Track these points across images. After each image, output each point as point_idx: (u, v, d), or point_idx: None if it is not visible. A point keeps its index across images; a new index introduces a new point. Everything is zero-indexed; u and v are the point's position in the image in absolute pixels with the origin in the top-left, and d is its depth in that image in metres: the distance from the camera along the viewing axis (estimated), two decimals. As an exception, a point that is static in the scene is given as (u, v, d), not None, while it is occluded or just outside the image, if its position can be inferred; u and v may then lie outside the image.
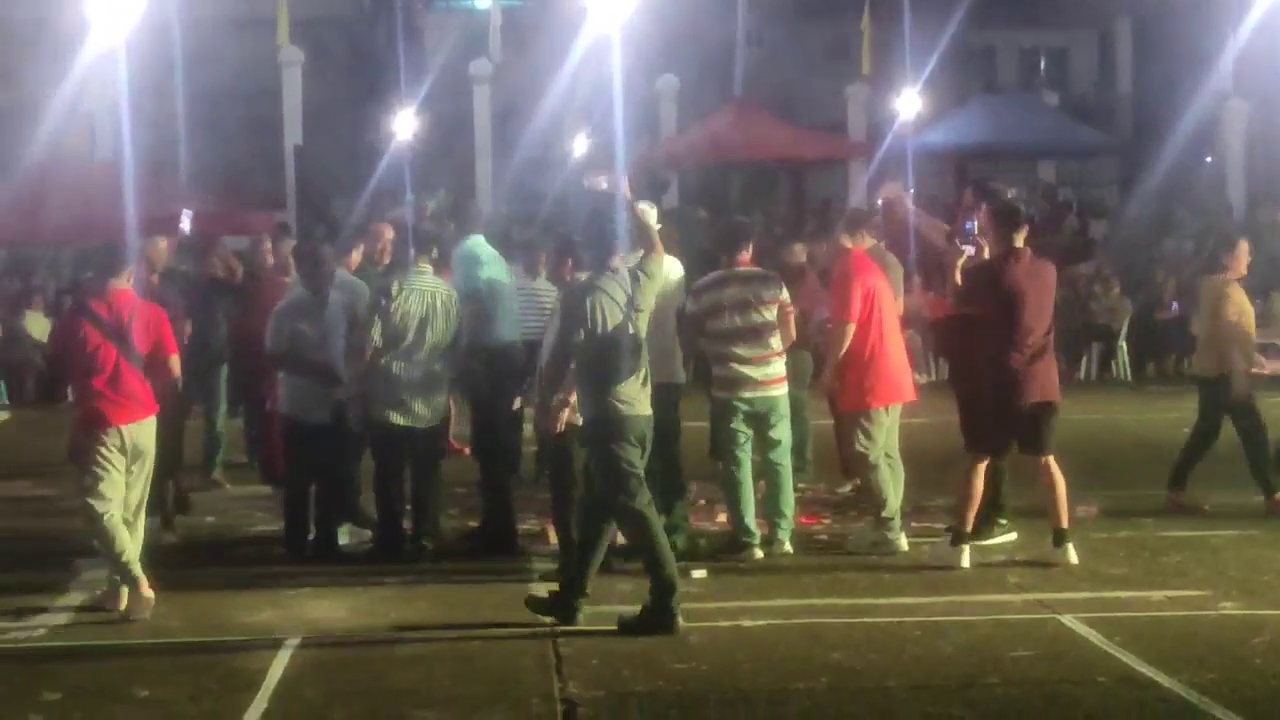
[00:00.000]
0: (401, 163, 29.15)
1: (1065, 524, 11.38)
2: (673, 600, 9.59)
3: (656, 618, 9.55)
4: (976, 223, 11.74)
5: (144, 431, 10.33)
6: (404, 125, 30.89)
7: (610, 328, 9.77)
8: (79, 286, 18.72)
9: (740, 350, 11.74)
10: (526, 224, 23.30)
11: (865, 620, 9.89)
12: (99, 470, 10.18)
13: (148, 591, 10.13)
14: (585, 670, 8.83)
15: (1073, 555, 11.30)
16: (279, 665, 9.03)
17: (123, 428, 10.22)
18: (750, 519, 11.77)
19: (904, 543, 11.89)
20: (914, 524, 12.52)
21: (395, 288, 11.73)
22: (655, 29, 31.70)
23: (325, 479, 12.05)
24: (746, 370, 11.75)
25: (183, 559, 12.05)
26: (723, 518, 12.67)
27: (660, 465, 12.04)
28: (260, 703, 8.36)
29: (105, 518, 10.13)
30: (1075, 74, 45.71)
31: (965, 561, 11.24)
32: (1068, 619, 9.75)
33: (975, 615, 9.93)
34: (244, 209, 29.34)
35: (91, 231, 26.16)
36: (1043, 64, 46.43)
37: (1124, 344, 25.61)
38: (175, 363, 10.67)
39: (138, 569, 10.19)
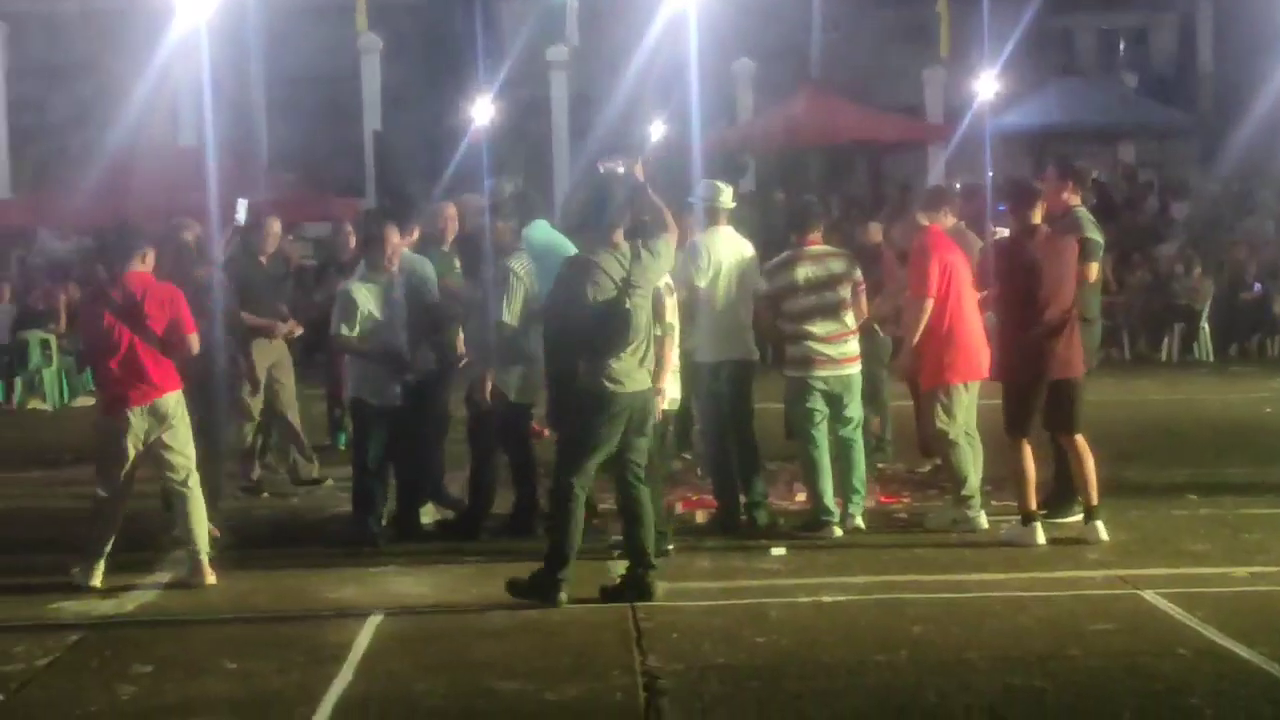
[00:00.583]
0: (479, 148, 29.26)
1: (1095, 500, 11.38)
2: (556, 590, 9.77)
3: (537, 592, 9.77)
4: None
5: (162, 407, 10.63)
6: (482, 111, 30.99)
7: (600, 302, 9.81)
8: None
9: (815, 329, 11.78)
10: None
11: (945, 595, 9.92)
12: (106, 457, 10.69)
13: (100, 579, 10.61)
14: (665, 644, 8.89)
15: (1103, 532, 11.29)
16: (363, 639, 9.14)
17: (134, 410, 10.57)
18: (829, 497, 11.80)
19: (984, 520, 11.88)
20: (994, 502, 12.52)
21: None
22: (731, 12, 31.73)
23: (401, 461, 12.09)
24: (822, 348, 11.79)
25: (268, 537, 12.21)
26: (801, 496, 12.71)
27: (737, 444, 12.15)
28: (345, 675, 8.47)
29: (99, 498, 10.62)
30: (1155, 54, 45.26)
31: (1040, 538, 11.23)
32: (1148, 594, 9.74)
33: (1055, 591, 9.93)
34: (324, 195, 29.58)
35: (174, 217, 26.52)
36: (1122, 45, 46.07)
37: (1206, 325, 25.42)
38: (194, 340, 10.79)
39: (106, 548, 10.63)
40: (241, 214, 14.04)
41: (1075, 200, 12.27)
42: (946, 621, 9.24)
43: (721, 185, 12.19)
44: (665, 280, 10.86)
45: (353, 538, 11.73)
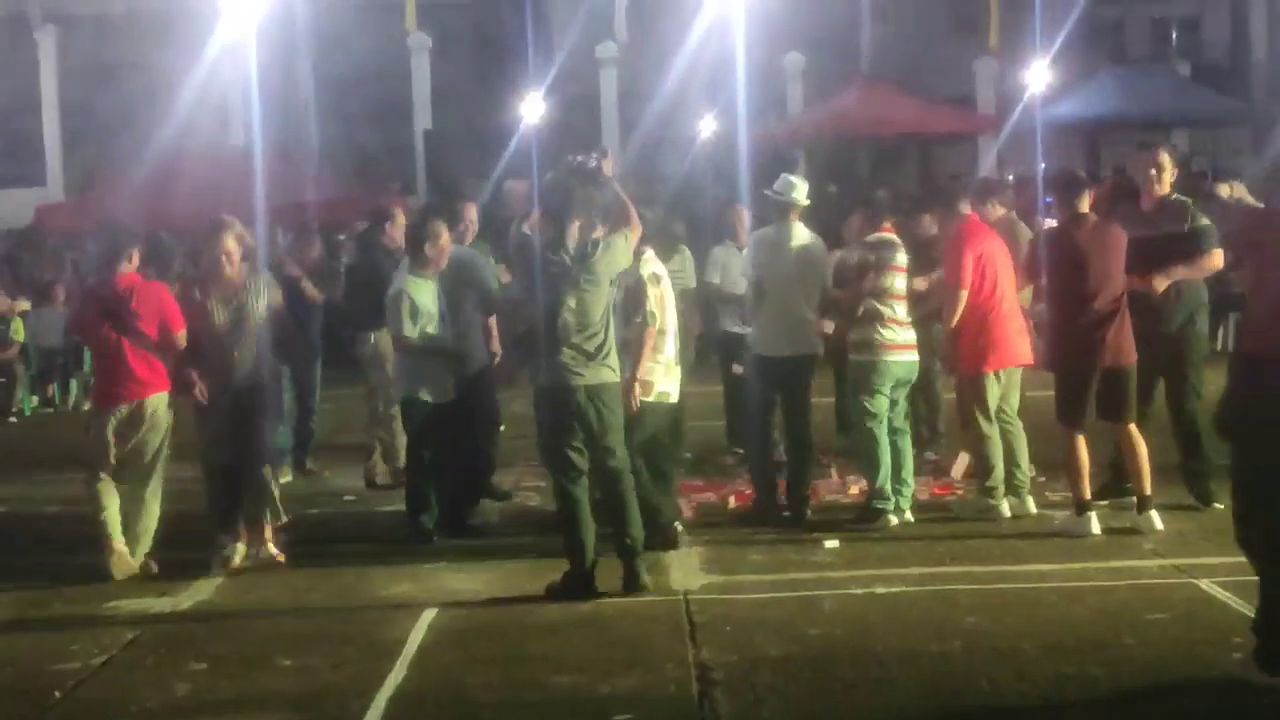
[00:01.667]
0: (529, 145, 29.28)
1: (1148, 490, 11.32)
2: (588, 582, 9.89)
3: (572, 590, 9.88)
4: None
5: (147, 407, 11.08)
6: (532, 108, 31.01)
7: (545, 295, 9.97)
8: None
9: (899, 310, 11.89)
10: (649, 205, 23.28)
11: (999, 586, 9.87)
12: (96, 451, 11.08)
13: (120, 547, 10.96)
14: (719, 636, 8.89)
15: (1157, 521, 11.24)
16: (417, 634, 9.17)
17: (120, 408, 11.05)
18: (887, 485, 11.80)
19: (1006, 508, 11.93)
20: (1049, 494, 12.49)
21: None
22: (779, 6, 31.68)
23: (453, 458, 12.08)
24: (901, 333, 11.88)
25: (322, 535, 12.24)
26: (855, 489, 12.71)
27: (791, 439, 12.16)
28: (399, 670, 8.49)
29: (92, 483, 11.07)
30: (1207, 42, 45.06)
31: (1094, 528, 11.18)
32: (1204, 584, 9.67)
33: (1110, 580, 9.87)
34: (374, 194, 29.64)
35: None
36: (1174, 33, 45.84)
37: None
38: (181, 338, 11.10)
39: (112, 529, 10.99)
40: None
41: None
42: (1000, 611, 9.20)
43: (796, 181, 12.27)
44: (651, 270, 10.99)
45: (407, 536, 11.76)
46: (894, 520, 11.72)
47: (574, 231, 10.08)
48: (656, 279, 11.04)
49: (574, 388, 9.90)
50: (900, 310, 11.92)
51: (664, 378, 11.10)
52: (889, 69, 36.88)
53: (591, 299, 9.99)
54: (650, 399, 10.99)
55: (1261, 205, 7.85)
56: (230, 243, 11.19)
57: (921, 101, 34.40)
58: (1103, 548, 10.84)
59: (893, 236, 12.16)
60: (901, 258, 12.03)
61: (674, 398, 11.29)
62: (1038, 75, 31.50)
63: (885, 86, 34.02)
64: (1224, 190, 7.54)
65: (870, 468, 11.91)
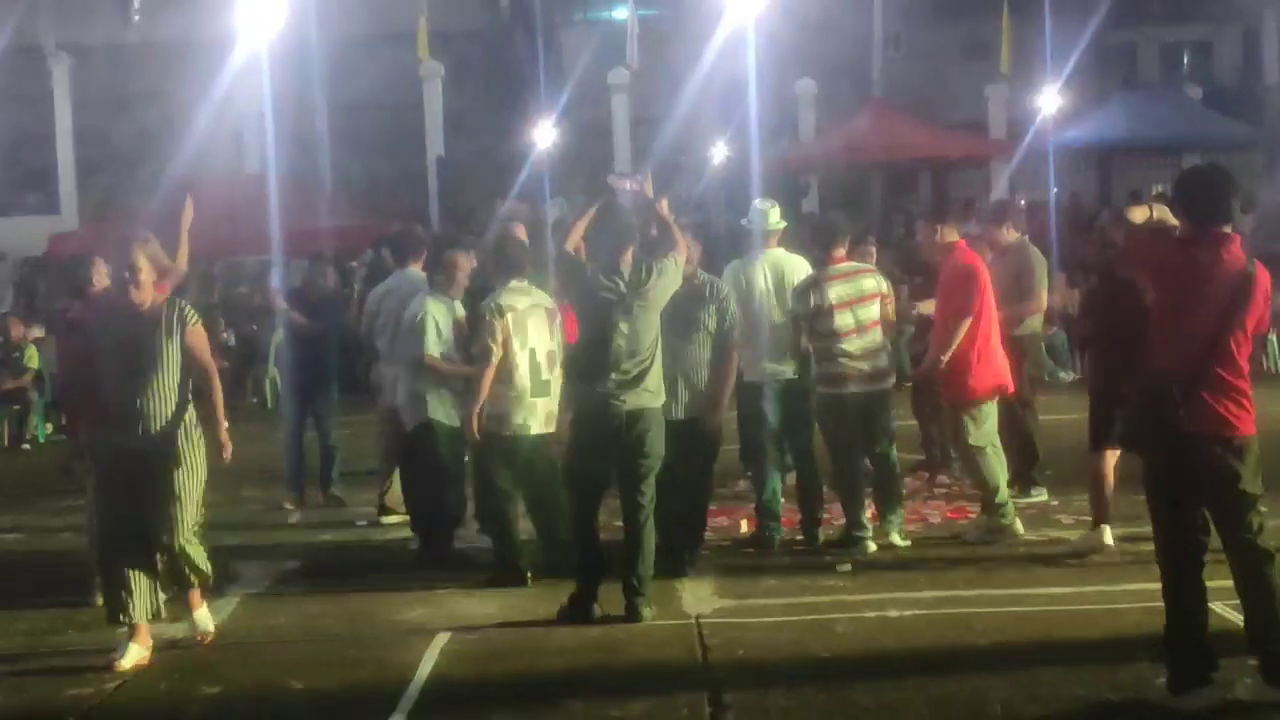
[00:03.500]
0: (541, 172, 29.37)
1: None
2: (588, 604, 9.90)
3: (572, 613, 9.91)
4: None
5: None
6: (544, 135, 31.10)
7: (594, 321, 9.98)
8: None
9: (848, 346, 11.71)
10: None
11: (1013, 609, 9.85)
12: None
13: None
14: (731, 658, 8.89)
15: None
16: (430, 658, 9.16)
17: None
18: (864, 514, 11.77)
19: (1020, 526, 11.96)
20: (1062, 517, 12.51)
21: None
22: (791, 32, 31.76)
23: (433, 481, 12.01)
24: (856, 365, 11.73)
25: (335, 560, 12.26)
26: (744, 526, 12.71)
27: (796, 464, 12.17)
28: (413, 694, 8.49)
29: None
30: (1219, 68, 45.09)
31: (1109, 539, 11.19)
32: (1218, 606, 9.59)
33: (1125, 603, 9.83)
34: (388, 222, 29.71)
35: (238, 245, 26.73)
36: (1185, 58, 45.87)
37: (1274, 336, 25.27)
38: None
39: None
40: None
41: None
42: (1014, 634, 9.20)
43: (769, 207, 12.20)
44: (501, 302, 10.85)
45: (422, 556, 11.86)
46: (872, 547, 11.64)
47: (628, 258, 10.06)
48: (501, 310, 10.80)
49: (618, 413, 9.87)
50: (852, 344, 11.69)
51: (519, 410, 10.87)
52: (901, 94, 36.96)
53: (644, 325, 9.97)
54: (508, 433, 10.85)
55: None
56: (140, 260, 9.39)
57: (933, 127, 34.48)
58: (1118, 571, 10.79)
59: (835, 269, 11.86)
60: (844, 291, 11.76)
61: (535, 430, 10.94)
62: (1049, 100, 31.60)
63: (897, 112, 34.09)
64: (1138, 214, 7.51)
65: (845, 496, 11.87)
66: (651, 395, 10.02)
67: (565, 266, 10.44)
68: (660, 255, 10.25)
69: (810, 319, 11.74)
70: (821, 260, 11.97)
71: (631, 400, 9.89)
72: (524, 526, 11.31)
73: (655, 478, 10.09)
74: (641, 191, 10.43)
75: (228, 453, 9.55)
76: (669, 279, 10.18)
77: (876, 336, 11.84)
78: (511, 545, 11.07)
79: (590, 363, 9.95)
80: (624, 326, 9.86)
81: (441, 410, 11.85)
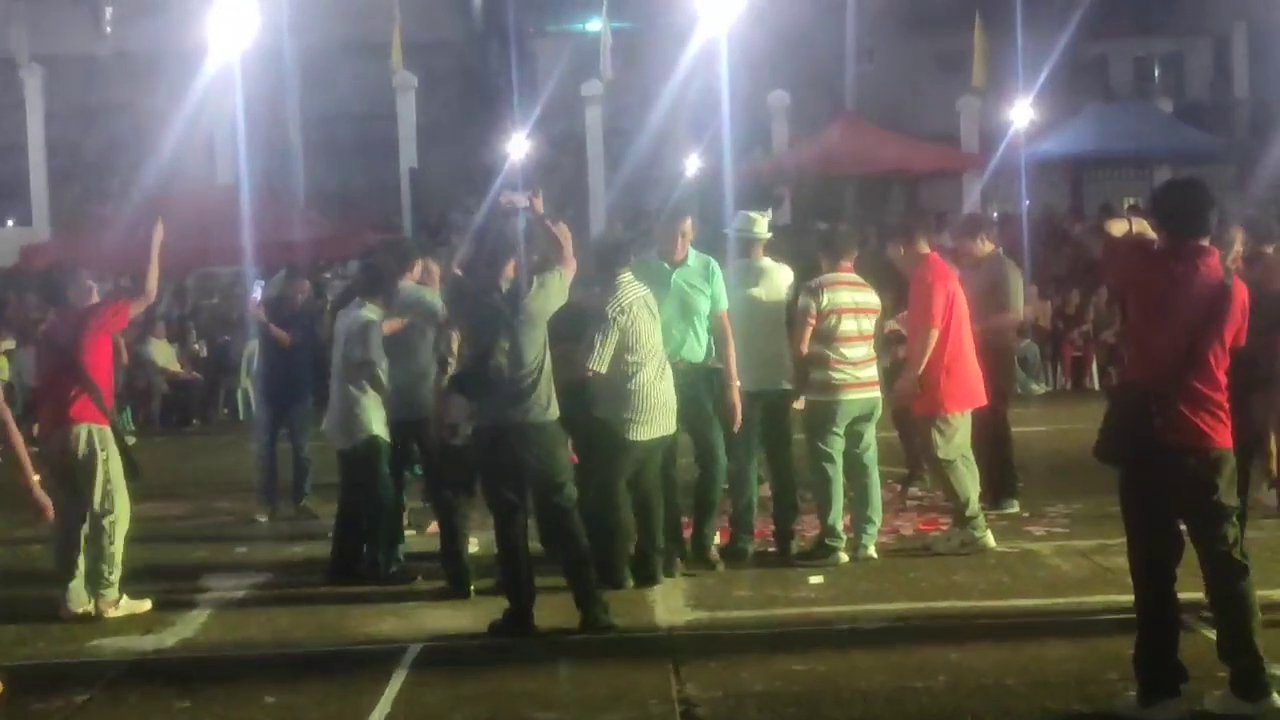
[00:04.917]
0: (515, 183, 29.36)
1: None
2: (522, 620, 9.92)
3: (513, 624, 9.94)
4: None
5: (75, 436, 10.83)
6: (517, 146, 31.13)
7: (482, 338, 9.91)
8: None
9: (849, 352, 11.76)
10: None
11: (984, 621, 9.87)
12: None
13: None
14: (703, 672, 8.87)
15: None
16: (401, 672, 9.13)
17: (52, 435, 10.95)
18: (839, 523, 11.78)
19: (991, 539, 11.95)
20: (1034, 529, 12.55)
21: None
22: (765, 45, 31.85)
23: (364, 498, 11.93)
24: (854, 372, 11.77)
25: (305, 573, 12.23)
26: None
27: (773, 476, 12.15)
28: (384, 706, 8.47)
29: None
30: (1190, 80, 45.31)
31: None
32: (1190, 618, 9.65)
33: (1096, 615, 9.86)
34: (360, 232, 29.71)
35: (210, 256, 26.68)
36: (1157, 71, 46.07)
37: None
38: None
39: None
40: None
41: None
42: (984, 647, 9.19)
43: (756, 215, 12.18)
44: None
45: (374, 575, 11.77)
46: (844, 558, 11.66)
47: (508, 272, 10.05)
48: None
49: (509, 428, 9.85)
50: (852, 351, 11.77)
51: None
52: (873, 107, 37.08)
53: (526, 340, 9.91)
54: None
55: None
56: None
57: (906, 139, 34.58)
58: (1088, 583, 10.83)
59: (844, 276, 11.95)
60: (852, 298, 11.85)
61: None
62: (1021, 112, 31.71)
63: (869, 124, 34.18)
64: (1117, 227, 7.52)
65: (823, 504, 11.83)
66: (542, 409, 9.96)
67: (449, 286, 10.53)
68: (545, 270, 10.25)
69: (817, 318, 11.77)
70: (831, 269, 12.00)
71: (521, 415, 9.88)
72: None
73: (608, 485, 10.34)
74: (531, 207, 10.45)
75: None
76: (551, 293, 10.12)
77: (871, 351, 11.93)
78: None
79: (477, 380, 9.93)
80: (504, 342, 9.81)
81: (378, 424, 11.83)
